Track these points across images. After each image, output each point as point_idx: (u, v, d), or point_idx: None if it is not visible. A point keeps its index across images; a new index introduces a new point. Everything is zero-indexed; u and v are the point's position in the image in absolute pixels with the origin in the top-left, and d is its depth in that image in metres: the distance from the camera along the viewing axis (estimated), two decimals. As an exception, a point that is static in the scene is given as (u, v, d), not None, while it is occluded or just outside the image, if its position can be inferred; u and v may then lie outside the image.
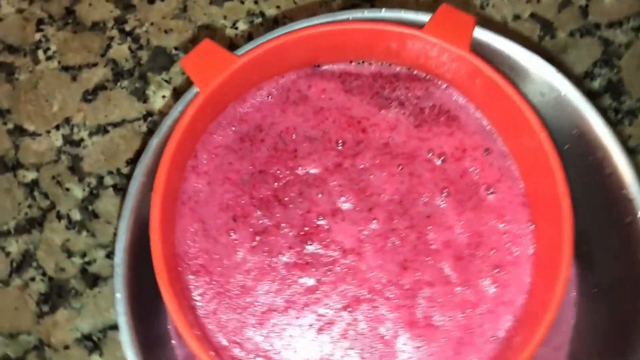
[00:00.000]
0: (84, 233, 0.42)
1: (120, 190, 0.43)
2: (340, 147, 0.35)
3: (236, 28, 0.46)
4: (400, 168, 0.34)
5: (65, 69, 0.45)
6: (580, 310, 0.38)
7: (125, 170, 0.43)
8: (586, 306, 0.37)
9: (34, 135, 0.44)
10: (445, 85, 0.35)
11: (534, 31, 0.46)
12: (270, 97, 0.35)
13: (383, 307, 0.32)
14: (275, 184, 0.34)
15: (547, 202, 0.31)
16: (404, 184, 0.34)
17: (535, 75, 0.35)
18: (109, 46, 0.45)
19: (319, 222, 0.33)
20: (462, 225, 0.33)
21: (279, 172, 0.34)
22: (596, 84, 0.45)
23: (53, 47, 0.45)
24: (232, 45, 0.45)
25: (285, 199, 0.34)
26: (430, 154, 0.34)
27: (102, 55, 0.45)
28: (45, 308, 0.41)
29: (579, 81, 0.45)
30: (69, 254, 0.42)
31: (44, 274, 0.41)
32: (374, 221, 0.33)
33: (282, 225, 0.33)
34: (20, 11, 0.46)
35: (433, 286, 0.33)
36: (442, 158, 0.34)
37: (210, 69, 0.31)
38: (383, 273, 0.33)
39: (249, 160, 0.34)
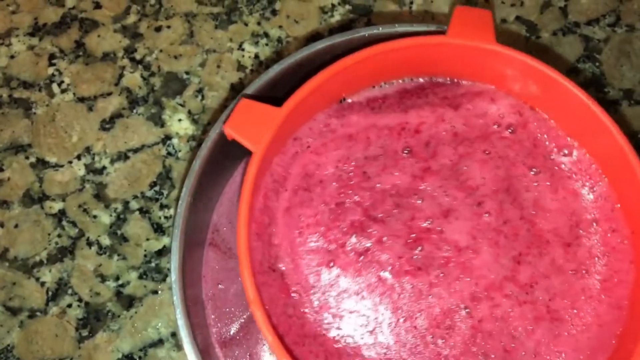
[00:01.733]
0: (115, 257, 0.43)
1: (147, 213, 0.44)
2: (406, 154, 0.34)
3: (243, 49, 0.48)
4: (487, 153, 0.34)
5: (81, 100, 0.46)
6: None
7: (149, 193, 0.45)
8: None
9: (56, 166, 0.45)
10: (468, 83, 0.36)
11: (520, 33, 0.49)
12: (308, 147, 0.34)
13: (504, 305, 0.32)
14: (359, 208, 0.33)
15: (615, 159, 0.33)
16: (501, 169, 0.34)
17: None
18: (121, 75, 0.47)
19: (427, 226, 0.33)
20: (560, 203, 0.34)
21: (357, 197, 0.33)
22: (581, 77, 0.49)
23: (67, 80, 0.47)
24: (240, 67, 0.47)
25: (380, 215, 0.33)
26: (496, 126, 0.35)
27: (116, 84, 0.47)
28: (85, 332, 0.42)
29: (566, 76, 0.48)
30: (103, 278, 0.43)
31: (79, 299, 0.43)
32: (486, 215, 0.33)
33: (384, 239, 0.33)
34: (31, 47, 0.47)
35: (549, 278, 0.33)
36: (510, 129, 0.34)
37: (256, 127, 0.31)
38: (499, 268, 0.33)
39: (318, 202, 0.33)
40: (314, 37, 0.48)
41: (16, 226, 0.44)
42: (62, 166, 0.45)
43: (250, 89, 0.36)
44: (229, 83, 0.47)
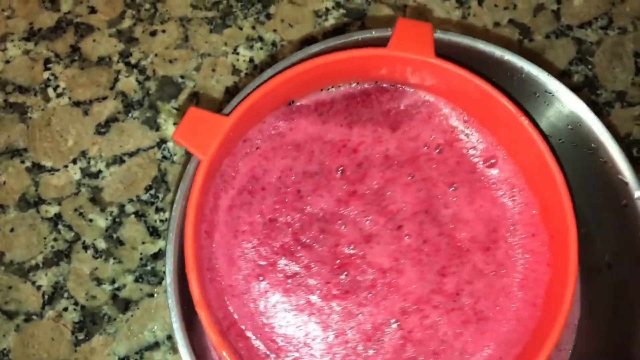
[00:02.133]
0: (111, 260, 0.44)
1: (142, 217, 0.44)
2: (339, 175, 0.36)
3: (237, 53, 0.48)
4: (411, 177, 0.37)
5: (76, 104, 0.47)
6: (584, 292, 0.41)
7: (144, 196, 0.45)
8: (588, 287, 0.41)
9: (52, 170, 0.45)
10: (412, 90, 0.38)
11: (513, 36, 0.50)
12: (258, 149, 0.36)
13: (433, 315, 0.35)
14: (290, 229, 0.35)
15: (539, 172, 0.35)
16: (422, 191, 0.36)
17: (527, 78, 0.38)
18: (116, 79, 0.47)
19: (350, 252, 0.35)
20: (477, 213, 0.36)
21: (289, 217, 0.36)
22: (574, 80, 0.49)
23: (62, 84, 0.47)
24: (235, 70, 0.48)
25: (307, 240, 0.35)
26: (426, 148, 0.37)
27: (111, 89, 0.47)
28: (81, 336, 0.42)
29: (559, 79, 0.49)
30: (99, 281, 0.43)
31: (76, 303, 0.43)
32: (407, 237, 0.36)
33: (312, 265, 0.35)
34: (26, 52, 0.47)
35: (472, 283, 0.35)
36: (438, 149, 0.37)
37: (203, 135, 0.32)
38: (425, 283, 0.35)
39: (256, 211, 0.35)
40: (309, 40, 0.49)
41: (12, 230, 0.44)
42: (57, 170, 0.45)
43: (244, 93, 0.36)
44: (223, 87, 0.47)
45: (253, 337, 0.34)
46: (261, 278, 0.35)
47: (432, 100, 0.38)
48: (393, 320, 0.35)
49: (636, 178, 0.36)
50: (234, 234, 0.35)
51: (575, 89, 0.49)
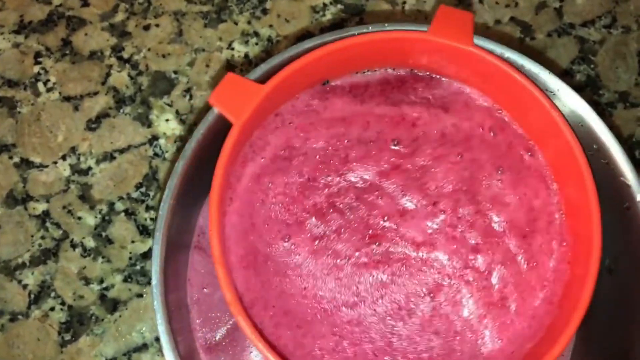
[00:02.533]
0: (100, 259, 0.43)
1: (132, 215, 0.43)
2: (394, 146, 0.36)
3: (232, 49, 0.47)
4: (460, 157, 0.36)
5: (67, 99, 0.46)
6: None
7: (135, 194, 0.44)
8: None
9: (41, 167, 0.44)
10: (446, 80, 0.37)
11: (514, 34, 0.48)
12: (291, 123, 0.36)
13: (465, 290, 0.34)
14: (326, 190, 0.35)
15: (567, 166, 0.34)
16: (467, 171, 0.35)
17: (528, 76, 0.37)
18: (108, 74, 0.46)
19: (384, 224, 0.35)
20: (520, 199, 0.35)
21: (329, 178, 0.35)
22: (576, 79, 0.48)
23: (52, 79, 0.46)
24: (229, 66, 0.47)
25: (340, 205, 0.35)
26: (481, 129, 0.36)
27: (103, 84, 0.46)
28: (68, 336, 0.41)
29: (560, 78, 0.48)
30: (87, 281, 0.42)
31: (63, 303, 0.42)
32: (442, 214, 0.35)
33: (342, 230, 0.34)
34: (16, 45, 0.46)
35: (504, 266, 0.34)
36: (492, 131, 0.36)
37: (240, 100, 0.32)
38: (457, 258, 0.34)
39: (294, 173, 0.35)
40: (305, 36, 0.48)
41: (-1, 227, 0.43)
42: (46, 166, 0.44)
43: (272, 62, 0.36)
44: (217, 83, 0.46)
45: (274, 306, 0.34)
46: (287, 239, 0.34)
47: (467, 92, 0.37)
48: (426, 292, 0.34)
49: (638, 180, 0.34)
50: (263, 199, 0.35)
51: (578, 88, 0.48)
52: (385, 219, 0.35)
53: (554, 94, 0.36)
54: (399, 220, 0.35)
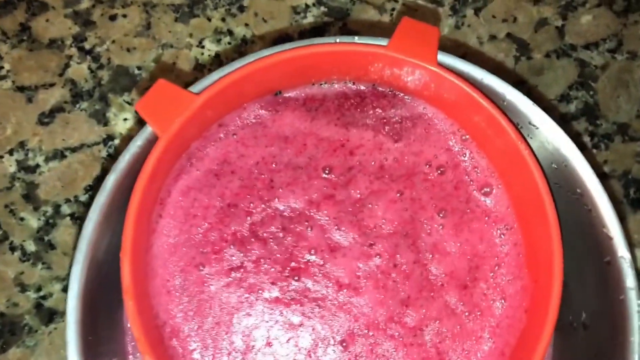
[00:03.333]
0: (40, 265, 0.40)
1: (78, 220, 0.40)
2: (325, 174, 0.33)
3: (202, 47, 0.44)
4: (399, 194, 0.33)
5: (20, 89, 0.42)
6: (556, 346, 0.37)
7: (83, 198, 0.41)
8: (562, 342, 0.36)
9: (-15, 160, 0.41)
10: (410, 98, 0.34)
11: (510, 52, 0.45)
12: (235, 135, 0.33)
13: (388, 344, 0.31)
14: (248, 218, 0.32)
15: (531, 207, 0.32)
16: (407, 212, 0.33)
17: (510, 106, 0.34)
18: (67, 65, 0.43)
19: (309, 257, 0.32)
20: (462, 246, 0.33)
21: (251, 205, 0.32)
22: (572, 106, 0.44)
23: (7, 66, 0.43)
24: (198, 65, 0.43)
25: (264, 234, 0.32)
26: (427, 166, 0.33)
27: (60, 75, 0.43)
28: (-3, 346, 0.38)
29: (555, 104, 0.44)
30: (23, 287, 0.39)
31: (-5, 309, 0.39)
32: (377, 257, 0.32)
33: (262, 262, 0.32)
34: (-30, 27, 0.43)
35: (440, 321, 0.32)
36: (440, 169, 0.33)
37: (169, 111, 0.29)
38: (383, 310, 0.32)
39: (217, 194, 0.32)
40: (283, 38, 0.44)
41: None
42: (-9, 160, 0.41)
43: (196, 87, 0.32)
44: (183, 83, 0.43)
45: (183, 338, 0.31)
46: (201, 267, 0.32)
47: (430, 115, 0.34)
48: (339, 339, 0.31)
49: (622, 234, 0.31)
50: (185, 218, 0.32)
51: (572, 117, 0.44)
52: (312, 252, 0.32)
53: (537, 129, 0.33)
54: (327, 255, 0.32)
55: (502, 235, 0.33)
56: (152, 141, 0.31)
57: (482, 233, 0.33)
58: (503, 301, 0.33)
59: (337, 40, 0.33)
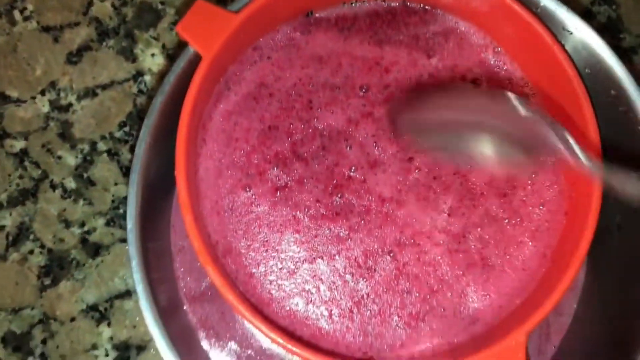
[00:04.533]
0: (81, 202, 0.40)
1: (115, 155, 0.41)
2: (362, 93, 0.33)
3: (224, -21, 0.43)
4: None
5: (46, 29, 0.42)
6: (591, 253, 0.38)
7: (118, 134, 0.41)
8: (597, 248, 0.37)
9: (18, 102, 0.41)
10: (441, 13, 0.34)
11: (531, -30, 0.45)
12: (269, 58, 0.33)
13: (435, 252, 0.32)
14: (289, 139, 0.33)
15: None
16: None
17: (544, 12, 0.34)
18: (90, 3, 0.43)
19: (350, 174, 0.33)
20: None
21: (291, 126, 0.33)
22: (595, 22, 0.44)
23: (30, 7, 0.43)
24: (221, -3, 0.43)
25: (305, 154, 0.32)
26: (462, 80, 0.34)
27: (84, 14, 0.43)
28: (47, 281, 0.39)
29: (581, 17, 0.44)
30: (67, 224, 0.40)
31: (42, 246, 0.40)
32: (417, 171, 0.33)
33: (305, 181, 0.32)
34: (-10, -31, 0.43)
35: (482, 228, 0.33)
36: (475, 82, 0.34)
37: (210, 30, 0.30)
38: (427, 219, 0.33)
39: (257, 117, 0.33)
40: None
41: (-26, 165, 0.41)
42: (24, 102, 0.41)
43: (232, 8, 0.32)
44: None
45: (235, 257, 0.32)
46: (248, 188, 0.32)
47: (462, 29, 0.35)
48: (387, 250, 0.33)
49: (660, 131, 0.32)
50: (228, 141, 0.33)
51: (596, 31, 0.44)
52: (353, 169, 0.33)
53: (571, 34, 0.33)
54: (367, 171, 0.33)
55: None
56: (194, 62, 0.31)
57: None
58: (542, 206, 0.33)
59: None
